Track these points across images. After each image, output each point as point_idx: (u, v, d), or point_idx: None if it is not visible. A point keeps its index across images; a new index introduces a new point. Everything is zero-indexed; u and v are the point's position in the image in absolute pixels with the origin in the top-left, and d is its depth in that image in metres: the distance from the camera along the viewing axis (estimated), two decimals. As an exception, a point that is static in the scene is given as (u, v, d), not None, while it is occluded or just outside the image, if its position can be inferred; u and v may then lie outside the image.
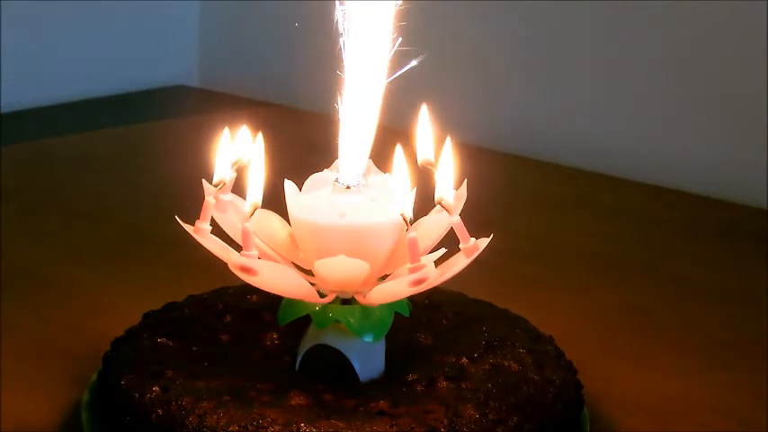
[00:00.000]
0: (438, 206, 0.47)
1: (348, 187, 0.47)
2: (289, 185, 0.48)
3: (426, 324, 0.54)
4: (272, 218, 0.50)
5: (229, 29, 1.31)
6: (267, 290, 0.47)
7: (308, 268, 0.49)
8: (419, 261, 0.44)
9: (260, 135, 0.47)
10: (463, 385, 0.48)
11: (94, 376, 0.52)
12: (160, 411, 0.46)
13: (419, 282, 0.45)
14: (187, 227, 0.47)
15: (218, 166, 0.48)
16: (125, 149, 1.02)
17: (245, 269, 0.44)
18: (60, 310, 0.64)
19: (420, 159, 0.48)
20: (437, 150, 0.48)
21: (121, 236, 0.77)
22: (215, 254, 0.47)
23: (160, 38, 1.29)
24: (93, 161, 0.98)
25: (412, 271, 0.45)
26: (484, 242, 0.46)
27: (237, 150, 0.49)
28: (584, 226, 0.84)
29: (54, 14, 1.17)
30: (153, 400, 0.46)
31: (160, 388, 0.47)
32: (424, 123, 0.49)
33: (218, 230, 0.49)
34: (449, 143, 0.47)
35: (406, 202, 0.44)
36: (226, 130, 0.48)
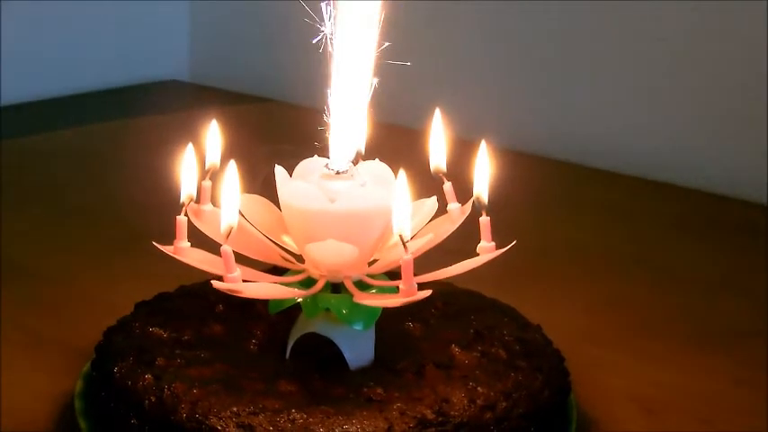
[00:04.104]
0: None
1: (338, 173, 0.47)
2: (279, 171, 0.48)
3: (416, 313, 0.54)
4: (261, 201, 0.51)
5: (220, 24, 1.31)
6: None
7: (299, 253, 0.49)
8: (412, 283, 0.45)
9: (232, 161, 0.46)
10: (452, 373, 0.48)
11: (87, 365, 0.52)
12: (153, 399, 0.46)
13: (410, 301, 0.45)
14: (166, 249, 0.47)
15: (183, 182, 0.48)
16: (116, 144, 1.02)
17: (231, 291, 0.45)
18: (55, 302, 0.64)
19: (432, 167, 0.49)
20: (449, 156, 0.50)
21: (113, 229, 0.77)
22: (200, 269, 0.47)
23: (151, 33, 1.29)
24: (84, 155, 0.98)
25: (404, 294, 0.45)
26: (501, 249, 0.48)
27: (209, 155, 0.49)
28: (573, 218, 0.85)
29: (46, 10, 1.16)
30: (145, 388, 0.46)
31: (152, 376, 0.47)
32: (437, 130, 0.49)
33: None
34: (484, 146, 0.49)
35: (404, 223, 0.44)
36: (190, 145, 0.48)
